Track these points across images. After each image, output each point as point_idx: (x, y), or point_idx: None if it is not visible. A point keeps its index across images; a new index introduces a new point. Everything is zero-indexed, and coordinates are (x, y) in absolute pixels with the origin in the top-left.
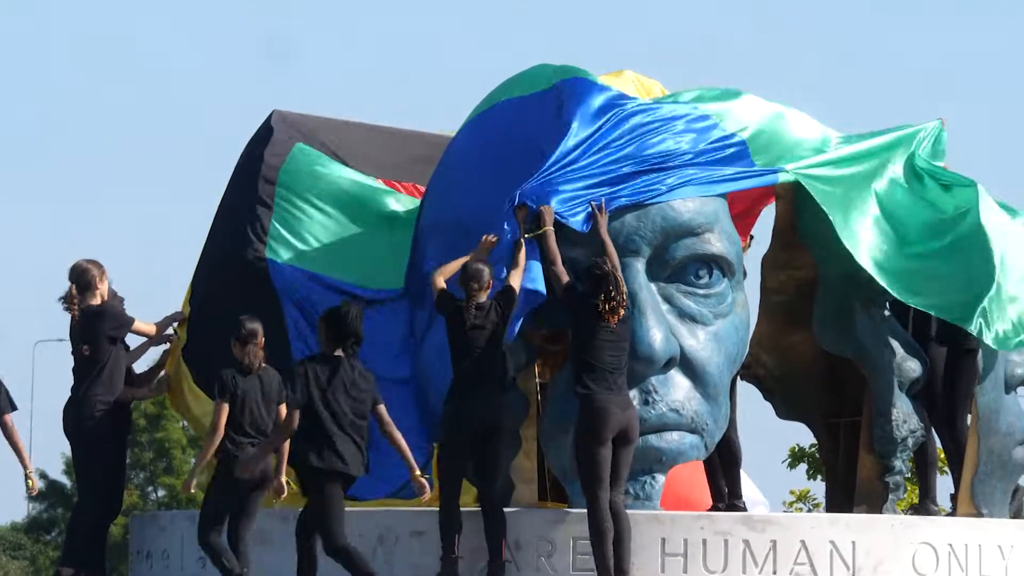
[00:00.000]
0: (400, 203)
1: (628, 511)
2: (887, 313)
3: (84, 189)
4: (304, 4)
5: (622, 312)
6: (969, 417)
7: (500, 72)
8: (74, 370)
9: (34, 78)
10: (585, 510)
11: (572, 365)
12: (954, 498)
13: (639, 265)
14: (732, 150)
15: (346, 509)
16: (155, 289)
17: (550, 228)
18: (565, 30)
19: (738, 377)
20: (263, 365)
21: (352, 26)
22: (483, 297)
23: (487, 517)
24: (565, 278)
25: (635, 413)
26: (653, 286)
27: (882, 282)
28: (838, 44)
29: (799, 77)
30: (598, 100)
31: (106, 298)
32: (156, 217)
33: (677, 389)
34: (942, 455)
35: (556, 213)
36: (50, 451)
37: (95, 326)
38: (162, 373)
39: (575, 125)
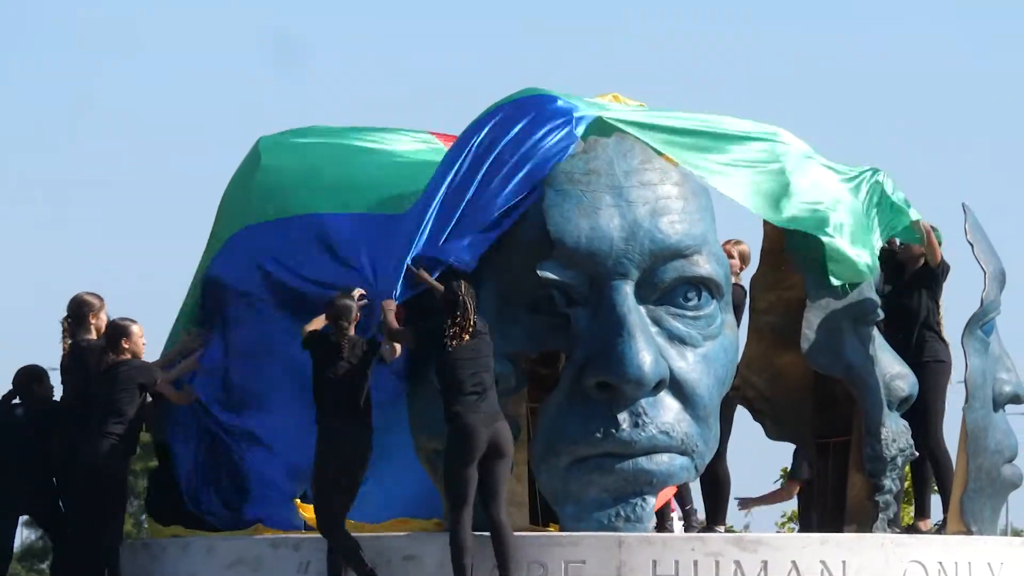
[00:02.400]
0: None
1: (621, 533)
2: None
3: (82, 215)
4: (311, 7)
5: (466, 337)
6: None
7: (501, 74)
8: (62, 401)
9: (32, 83)
10: (576, 533)
11: (440, 390)
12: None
13: (628, 288)
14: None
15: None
16: (156, 307)
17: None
18: (568, 36)
19: (735, 403)
20: None
21: (356, 29)
22: (351, 331)
23: None
24: (398, 326)
25: (504, 426)
26: (642, 308)
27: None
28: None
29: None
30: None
31: (102, 332)
32: (156, 238)
33: (667, 411)
34: None
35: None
36: None
37: (83, 361)
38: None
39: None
